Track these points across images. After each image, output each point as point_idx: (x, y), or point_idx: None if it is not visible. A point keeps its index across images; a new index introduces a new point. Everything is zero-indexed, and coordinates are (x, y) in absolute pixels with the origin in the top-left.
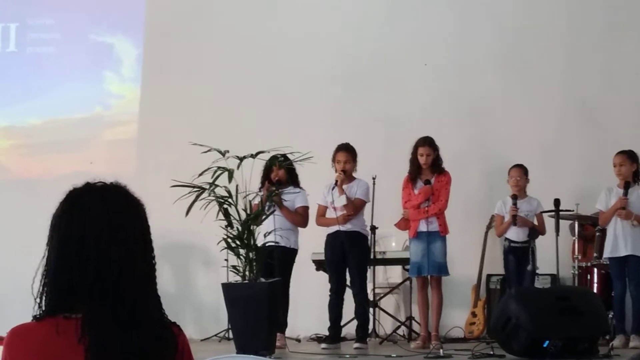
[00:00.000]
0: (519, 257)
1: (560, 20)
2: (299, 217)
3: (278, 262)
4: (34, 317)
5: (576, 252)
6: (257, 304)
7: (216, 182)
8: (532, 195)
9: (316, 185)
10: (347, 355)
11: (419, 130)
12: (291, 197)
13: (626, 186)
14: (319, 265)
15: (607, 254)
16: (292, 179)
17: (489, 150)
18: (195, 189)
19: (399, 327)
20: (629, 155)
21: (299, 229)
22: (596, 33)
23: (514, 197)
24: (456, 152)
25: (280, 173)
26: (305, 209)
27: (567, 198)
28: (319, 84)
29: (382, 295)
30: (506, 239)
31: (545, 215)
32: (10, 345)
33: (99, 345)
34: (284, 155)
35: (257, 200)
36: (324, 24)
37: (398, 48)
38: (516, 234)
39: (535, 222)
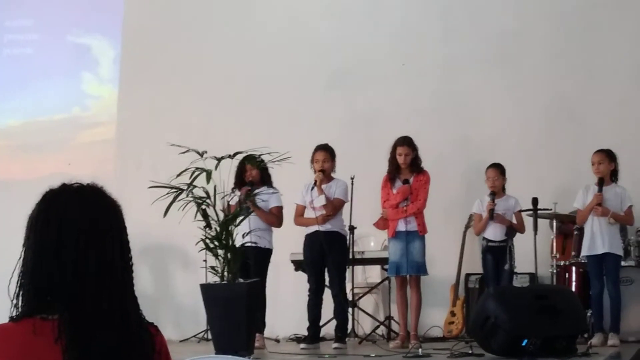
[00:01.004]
0: (497, 256)
1: (542, 19)
2: (274, 218)
3: (254, 262)
4: (11, 317)
5: (554, 251)
6: (235, 305)
7: (194, 183)
8: (513, 193)
9: (295, 185)
10: (327, 355)
11: (399, 130)
12: (266, 198)
13: (600, 182)
14: (298, 265)
15: (584, 252)
16: (265, 179)
17: (469, 149)
18: (174, 190)
19: (378, 326)
20: (607, 154)
21: (273, 229)
22: (577, 32)
23: (492, 194)
24: (436, 152)
25: (254, 173)
26: (280, 209)
27: (547, 197)
28: (299, 84)
29: (361, 295)
30: (484, 238)
31: (523, 214)
32: None
33: (76, 345)
34: (259, 155)
35: (234, 201)
36: (305, 23)
37: (379, 47)
38: (493, 233)
39: (514, 221)
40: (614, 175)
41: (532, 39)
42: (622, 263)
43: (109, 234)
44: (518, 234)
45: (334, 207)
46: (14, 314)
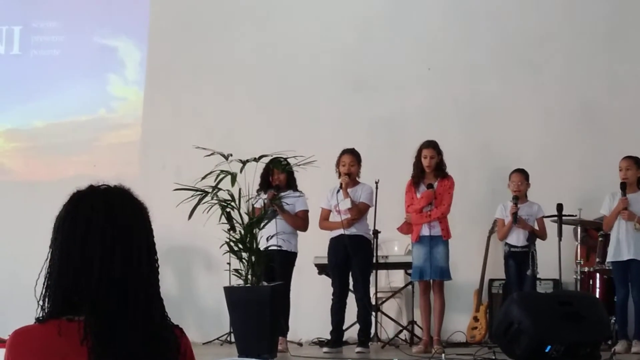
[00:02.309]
0: (519, 261)
1: (564, 23)
2: (300, 221)
3: (279, 265)
4: (37, 319)
5: (579, 257)
6: (259, 308)
7: (219, 186)
8: (536, 199)
9: (320, 188)
10: (349, 359)
11: (423, 135)
12: (292, 201)
13: (622, 187)
14: (321, 269)
15: (609, 258)
16: (291, 183)
17: (492, 154)
18: (198, 193)
19: (401, 331)
20: (635, 160)
21: (298, 232)
22: (599, 36)
23: (515, 198)
24: (459, 157)
25: (282, 177)
26: (306, 213)
27: (570, 203)
28: (324, 88)
29: (384, 299)
30: (506, 243)
31: (547, 220)
32: (13, 347)
33: (101, 347)
34: (286, 159)
35: (259, 204)
36: (329, 27)
37: (402, 52)
38: (516, 238)
39: (536, 227)
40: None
41: (556, 45)
42: None
43: (135, 235)
44: (539, 240)
45: (359, 211)
46: (40, 315)
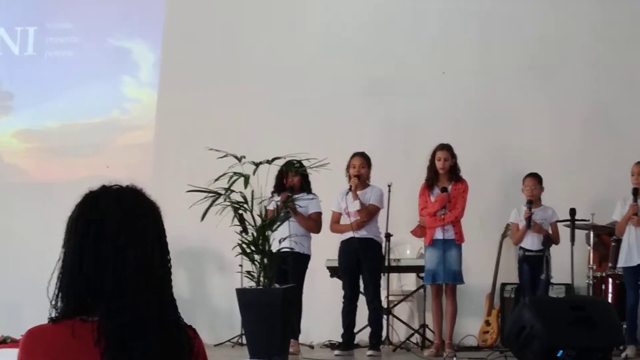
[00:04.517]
0: (534, 266)
1: (582, 29)
2: (313, 223)
3: (292, 268)
4: (50, 319)
5: (591, 262)
6: (271, 310)
7: (232, 188)
8: (550, 204)
9: (332, 192)
10: None
11: (436, 139)
12: (305, 204)
13: (634, 192)
14: (333, 271)
15: (621, 263)
16: (305, 186)
17: (507, 158)
18: (211, 194)
19: (412, 334)
20: None
21: (312, 235)
22: (618, 42)
23: (529, 202)
24: (474, 161)
25: (296, 180)
26: (319, 215)
27: (584, 208)
28: (338, 91)
29: (396, 302)
30: (520, 247)
31: (560, 224)
32: (26, 346)
33: (115, 348)
34: (299, 162)
35: (271, 206)
36: (344, 30)
37: (417, 56)
38: (531, 242)
39: (550, 231)
40: None
41: (571, 49)
42: None
43: (148, 235)
44: (553, 245)
45: (369, 213)
46: (53, 315)
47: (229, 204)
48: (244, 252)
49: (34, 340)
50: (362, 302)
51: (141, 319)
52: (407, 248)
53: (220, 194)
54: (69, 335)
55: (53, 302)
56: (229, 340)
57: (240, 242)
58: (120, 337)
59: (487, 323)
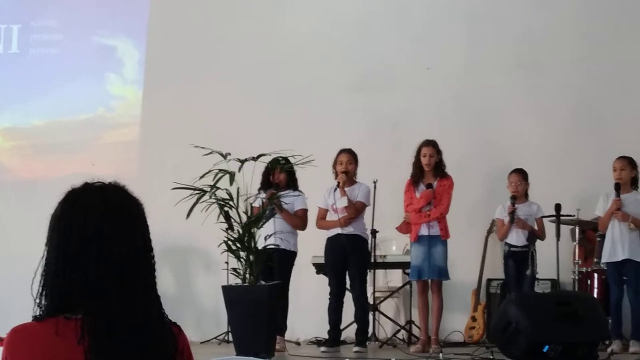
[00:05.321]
0: (519, 261)
1: (567, 24)
2: (299, 220)
3: (278, 265)
4: (34, 317)
5: (576, 257)
6: (257, 307)
7: (217, 185)
8: (536, 199)
9: (318, 189)
10: (347, 359)
11: (422, 135)
12: (291, 200)
13: (617, 188)
14: (319, 268)
15: (604, 259)
16: (291, 182)
17: (492, 154)
18: (197, 192)
19: (398, 330)
20: (629, 161)
21: (298, 231)
22: (603, 39)
23: (513, 198)
24: (459, 157)
25: (282, 176)
26: (305, 212)
27: (570, 203)
28: (324, 88)
29: (382, 299)
30: (506, 243)
31: (546, 220)
32: (10, 345)
33: (98, 345)
34: (285, 159)
35: (257, 203)
36: (329, 27)
37: (403, 52)
38: (516, 238)
39: (535, 227)
40: (634, 183)
41: (557, 45)
42: None
43: (131, 232)
44: (539, 240)
45: (356, 209)
46: (37, 313)
47: (214, 201)
48: (229, 249)
49: (18, 338)
50: (348, 299)
51: (125, 315)
52: (392, 244)
53: (205, 191)
54: (53, 334)
55: (37, 301)
56: (215, 338)
57: (226, 239)
58: (103, 334)
59: (473, 319)
